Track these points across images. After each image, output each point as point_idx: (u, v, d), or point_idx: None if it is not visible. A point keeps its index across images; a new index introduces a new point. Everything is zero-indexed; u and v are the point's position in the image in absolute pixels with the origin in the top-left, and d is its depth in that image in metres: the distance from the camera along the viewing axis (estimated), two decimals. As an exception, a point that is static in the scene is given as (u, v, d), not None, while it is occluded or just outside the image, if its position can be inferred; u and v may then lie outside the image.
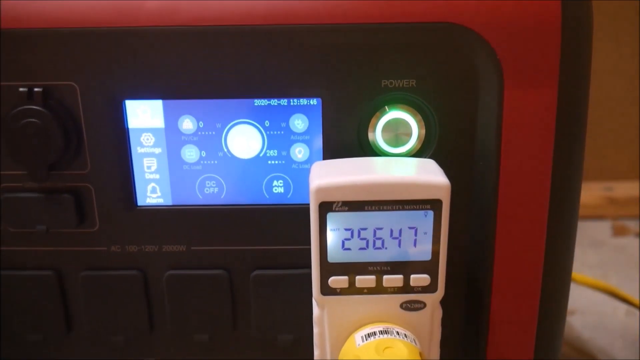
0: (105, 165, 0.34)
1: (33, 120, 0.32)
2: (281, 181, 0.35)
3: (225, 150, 0.35)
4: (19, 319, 0.37)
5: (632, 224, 0.95)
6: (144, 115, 0.34)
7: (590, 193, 1.01)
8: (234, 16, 0.31)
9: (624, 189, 1.02)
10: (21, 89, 0.32)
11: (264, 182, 0.35)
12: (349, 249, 0.30)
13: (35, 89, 0.32)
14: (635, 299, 0.68)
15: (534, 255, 0.34)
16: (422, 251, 0.30)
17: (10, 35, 0.31)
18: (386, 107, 0.33)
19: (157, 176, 0.35)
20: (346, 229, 0.30)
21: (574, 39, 0.31)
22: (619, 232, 0.94)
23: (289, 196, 0.35)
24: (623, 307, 0.70)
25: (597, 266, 0.81)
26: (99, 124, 0.33)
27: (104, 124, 0.34)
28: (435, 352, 0.32)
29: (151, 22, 0.31)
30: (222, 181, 0.35)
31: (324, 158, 0.34)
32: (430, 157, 0.34)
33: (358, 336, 0.30)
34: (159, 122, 0.34)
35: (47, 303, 0.37)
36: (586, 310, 0.70)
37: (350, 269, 0.30)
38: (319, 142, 0.34)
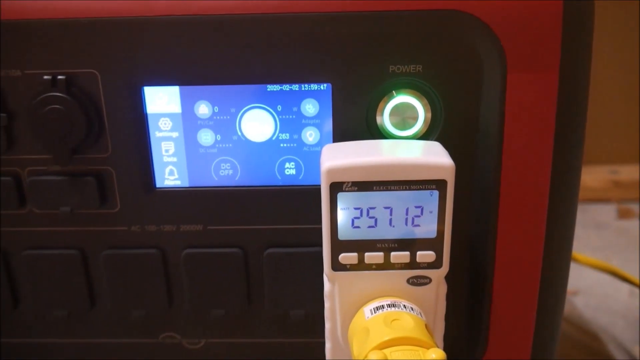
0: (125, 149, 0.36)
1: (57, 106, 0.33)
2: (293, 163, 0.37)
3: (240, 134, 0.36)
4: (45, 296, 0.39)
5: (636, 207, 0.96)
6: (161, 100, 0.35)
7: (595, 176, 1.01)
8: (248, 5, 0.32)
9: (629, 172, 1.03)
10: (45, 77, 0.34)
11: (277, 164, 0.37)
12: (358, 227, 0.31)
13: (59, 77, 0.34)
14: (637, 280, 0.69)
15: (534, 233, 0.35)
16: (427, 229, 0.31)
17: (34, 25, 0.33)
18: (394, 91, 0.34)
19: (175, 159, 0.37)
20: (355, 208, 0.31)
21: (575, 25, 0.32)
22: (623, 215, 0.94)
23: (300, 177, 0.37)
24: (625, 287, 0.71)
25: (601, 248, 0.82)
26: (119, 109, 0.35)
27: (124, 110, 0.35)
28: (440, 325, 0.34)
29: (168, 11, 0.32)
30: (237, 163, 0.37)
31: (334, 141, 0.35)
32: (436, 140, 0.35)
33: (367, 309, 0.32)
34: (176, 107, 0.35)
35: (71, 280, 0.38)
36: (589, 290, 0.71)
37: (360, 246, 0.32)
38: (329, 126, 0.35)
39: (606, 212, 0.96)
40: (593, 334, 0.63)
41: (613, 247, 0.82)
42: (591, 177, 1.01)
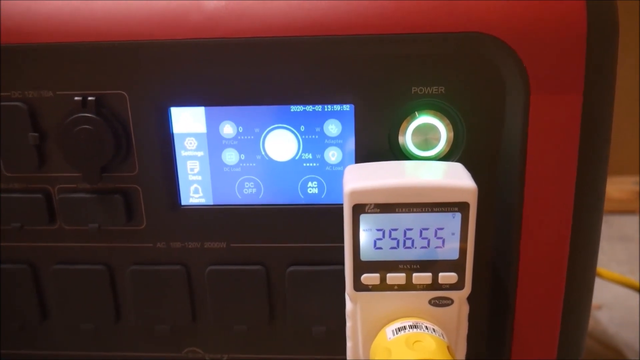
0: (152, 168, 0.36)
1: (87, 126, 0.34)
2: (315, 182, 0.37)
3: (263, 153, 0.37)
4: (73, 309, 0.40)
5: (661, 219, 0.94)
6: (187, 121, 0.36)
7: (619, 187, 1.00)
8: (272, 28, 0.33)
9: (654, 183, 1.01)
10: (76, 98, 0.35)
11: (299, 184, 0.37)
12: (380, 248, 0.31)
13: (89, 98, 0.35)
14: (663, 295, 0.68)
15: (558, 255, 0.35)
16: (450, 250, 0.32)
17: (65, 48, 0.34)
18: (416, 112, 0.34)
19: (200, 178, 0.37)
20: (378, 229, 0.31)
21: (599, 45, 0.32)
22: (648, 226, 0.93)
23: (322, 196, 0.37)
24: (650, 303, 0.70)
25: (626, 261, 0.81)
26: (147, 129, 0.36)
27: (151, 130, 0.36)
28: (462, 346, 0.34)
29: (195, 35, 0.33)
30: (260, 182, 0.37)
31: (356, 161, 0.36)
32: (458, 160, 0.35)
33: (389, 330, 0.32)
34: (201, 127, 0.36)
35: (98, 295, 0.39)
36: (613, 305, 0.70)
37: (382, 266, 0.32)
38: (351, 146, 0.36)
39: (630, 223, 0.94)
40: (617, 349, 0.62)
41: (638, 260, 0.81)
42: (615, 188, 0.99)
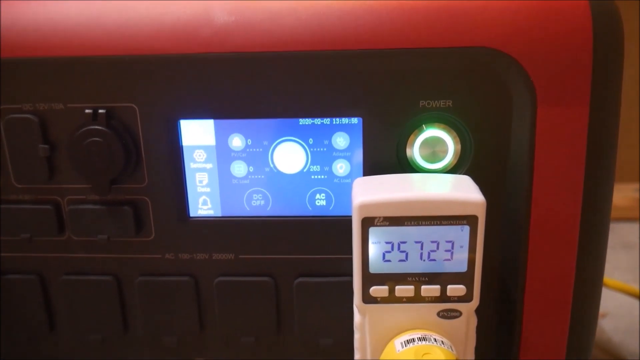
0: (161, 180, 0.37)
1: (97, 139, 0.35)
2: (323, 194, 0.37)
3: (272, 165, 0.37)
4: (81, 320, 0.40)
5: (663, 227, 0.94)
6: (196, 133, 0.36)
7: (621, 194, 1.00)
8: (281, 43, 0.33)
9: (656, 191, 1.01)
10: (87, 111, 0.35)
11: (307, 196, 0.37)
12: (389, 260, 0.32)
13: (100, 111, 0.35)
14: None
15: (565, 266, 0.35)
16: (458, 263, 0.32)
17: (77, 62, 0.34)
18: (424, 125, 0.35)
19: (208, 189, 0.38)
20: (387, 242, 0.31)
21: (605, 58, 0.32)
22: (650, 234, 0.93)
23: (330, 208, 0.37)
24: (655, 311, 0.69)
25: (628, 269, 0.81)
26: (156, 141, 0.36)
27: (161, 142, 0.36)
28: (470, 358, 0.34)
29: (204, 49, 0.33)
30: (268, 194, 0.37)
31: (364, 173, 0.36)
32: (465, 173, 0.35)
33: (398, 342, 0.32)
34: (210, 139, 0.36)
35: (106, 306, 0.39)
36: (617, 313, 0.70)
37: (390, 279, 0.32)
38: (359, 158, 0.36)
39: (633, 231, 0.94)
40: (622, 358, 0.62)
41: (642, 267, 0.81)
42: (616, 195, 0.99)
